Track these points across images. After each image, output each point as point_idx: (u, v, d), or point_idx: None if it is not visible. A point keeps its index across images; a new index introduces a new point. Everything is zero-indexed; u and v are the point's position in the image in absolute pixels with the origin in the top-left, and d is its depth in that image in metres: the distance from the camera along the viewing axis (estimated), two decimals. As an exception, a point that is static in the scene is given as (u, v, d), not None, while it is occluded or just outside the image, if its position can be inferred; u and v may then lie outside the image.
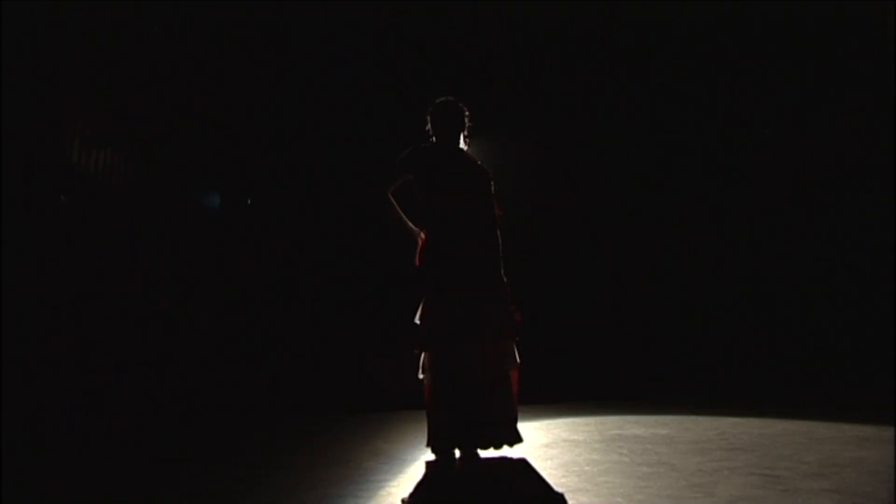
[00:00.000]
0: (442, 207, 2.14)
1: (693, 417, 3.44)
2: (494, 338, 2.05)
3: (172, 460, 2.69)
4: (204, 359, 5.62)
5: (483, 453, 2.07)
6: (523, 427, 2.27)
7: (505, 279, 2.17)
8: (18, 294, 3.41)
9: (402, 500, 1.61)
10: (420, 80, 6.27)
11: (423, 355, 2.12)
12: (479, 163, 2.28)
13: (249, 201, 6.46)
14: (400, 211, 2.21)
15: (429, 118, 2.30)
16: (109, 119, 4.54)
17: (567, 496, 1.56)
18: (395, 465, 2.17)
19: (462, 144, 2.30)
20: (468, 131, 2.33)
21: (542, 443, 2.60)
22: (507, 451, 2.18)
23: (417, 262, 2.18)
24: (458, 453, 2.04)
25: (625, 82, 6.85)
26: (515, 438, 2.05)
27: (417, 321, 2.12)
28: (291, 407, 5.69)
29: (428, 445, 2.06)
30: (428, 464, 2.10)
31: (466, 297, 2.04)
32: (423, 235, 2.18)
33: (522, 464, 2.06)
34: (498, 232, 2.21)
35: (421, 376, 2.12)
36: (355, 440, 3.04)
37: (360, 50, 6.28)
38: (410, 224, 2.22)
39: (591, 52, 6.53)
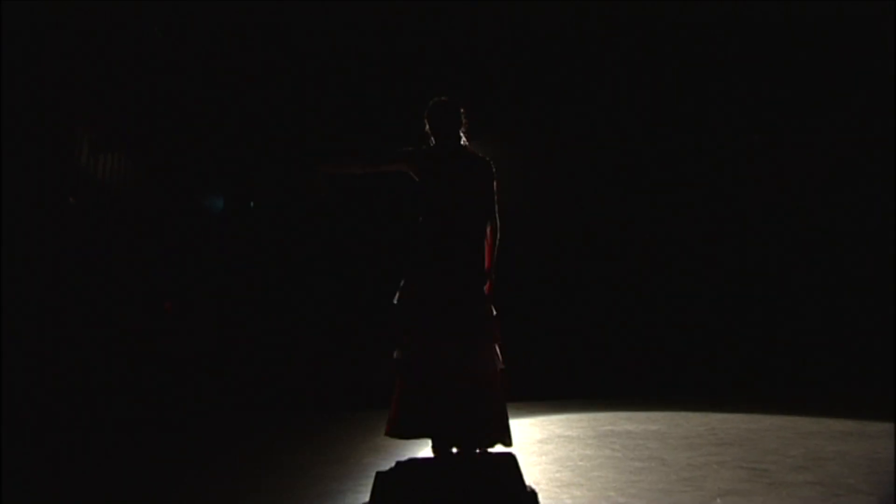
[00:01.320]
0: (433, 203, 2.18)
1: (683, 413, 3.52)
2: (468, 337, 2.01)
3: (172, 460, 2.70)
4: (205, 359, 5.63)
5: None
6: (519, 424, 2.29)
7: (488, 277, 2.18)
8: (25, 293, 3.41)
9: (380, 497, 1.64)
10: (421, 80, 6.27)
11: (402, 337, 2.11)
12: (482, 158, 2.29)
13: (252, 203, 6.47)
14: (343, 168, 2.29)
15: (426, 119, 2.32)
16: (116, 123, 4.58)
17: (562, 490, 1.61)
18: (393, 461, 2.21)
19: (462, 142, 2.32)
20: (466, 128, 2.35)
21: (537, 438, 2.66)
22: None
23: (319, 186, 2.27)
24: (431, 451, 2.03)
25: (621, 82, 6.90)
26: (499, 441, 1.97)
27: (395, 301, 2.14)
28: (291, 406, 5.71)
29: (387, 433, 2.01)
30: (399, 463, 2.02)
31: (439, 291, 2.05)
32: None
33: (501, 461, 1.96)
34: (489, 229, 2.24)
35: (395, 356, 2.10)
36: (355, 438, 3.08)
37: (362, 50, 6.27)
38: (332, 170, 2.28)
39: (590, 53, 6.56)
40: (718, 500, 1.43)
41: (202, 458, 2.70)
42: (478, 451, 2.02)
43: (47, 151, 3.72)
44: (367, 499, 1.65)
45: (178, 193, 5.61)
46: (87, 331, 4.11)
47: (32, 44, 3.59)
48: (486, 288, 2.16)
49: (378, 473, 1.92)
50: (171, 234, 5.38)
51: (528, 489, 1.62)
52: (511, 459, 1.95)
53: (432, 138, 2.33)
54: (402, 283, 2.16)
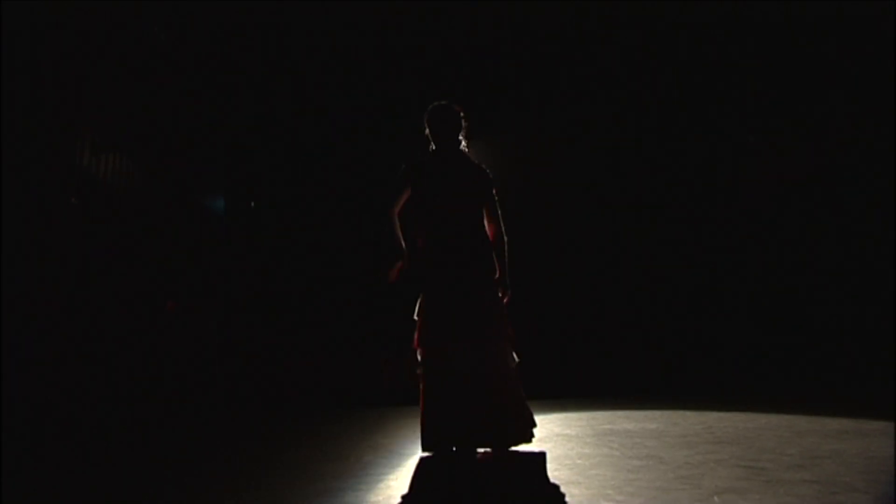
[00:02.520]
0: (432, 214, 2.19)
1: (681, 412, 3.53)
2: (485, 337, 2.08)
3: (172, 460, 2.71)
4: (205, 359, 5.64)
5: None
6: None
7: (502, 284, 2.22)
8: (26, 293, 3.43)
9: (402, 497, 1.66)
10: (421, 80, 6.28)
11: (419, 351, 2.18)
12: (479, 165, 2.30)
13: (252, 204, 6.51)
14: (398, 230, 2.23)
15: (425, 123, 2.33)
16: (118, 124, 4.61)
17: (560, 489, 1.62)
18: (393, 459, 2.22)
19: (461, 146, 2.32)
20: (466, 132, 2.35)
21: (535, 437, 2.67)
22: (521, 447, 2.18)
23: (408, 266, 2.24)
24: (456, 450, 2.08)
25: (619, 83, 6.91)
26: (521, 437, 2.06)
27: (416, 317, 2.19)
28: (291, 405, 5.72)
29: (423, 446, 2.10)
30: (422, 459, 2.14)
31: (456, 300, 2.10)
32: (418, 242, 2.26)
33: (526, 459, 2.06)
34: (493, 232, 2.25)
35: (419, 371, 2.18)
36: (354, 436, 3.09)
37: (363, 51, 6.29)
38: (402, 242, 2.24)
39: (591, 52, 6.56)
40: (716, 498, 1.45)
41: (202, 458, 2.71)
42: (504, 449, 2.08)
43: (49, 152, 3.74)
44: (366, 496, 1.66)
45: (179, 193, 5.64)
46: (89, 331, 4.12)
47: (32, 44, 3.60)
48: (504, 299, 2.20)
49: (422, 459, 2.06)
50: (172, 234, 5.41)
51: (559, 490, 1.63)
52: (540, 458, 2.03)
53: (432, 142, 2.33)
54: (419, 301, 2.19)
